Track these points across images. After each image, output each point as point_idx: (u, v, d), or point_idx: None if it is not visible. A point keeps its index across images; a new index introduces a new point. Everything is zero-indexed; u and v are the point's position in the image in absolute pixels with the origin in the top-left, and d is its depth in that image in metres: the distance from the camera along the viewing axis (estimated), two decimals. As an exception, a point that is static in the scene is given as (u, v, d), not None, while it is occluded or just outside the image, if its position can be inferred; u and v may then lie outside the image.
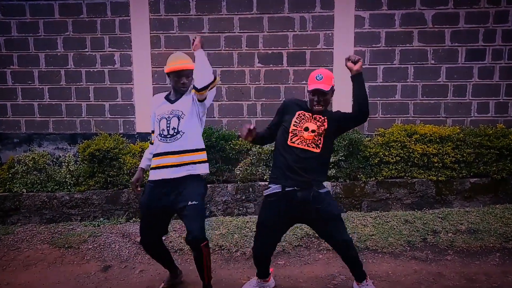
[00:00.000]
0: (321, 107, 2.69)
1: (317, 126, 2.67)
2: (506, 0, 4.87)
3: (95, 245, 3.64)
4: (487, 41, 4.94)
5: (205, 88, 2.64)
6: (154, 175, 2.73)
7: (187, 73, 2.77)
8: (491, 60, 4.97)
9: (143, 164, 2.94)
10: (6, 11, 5.18)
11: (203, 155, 2.80)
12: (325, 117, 2.70)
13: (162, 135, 2.73)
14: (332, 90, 2.73)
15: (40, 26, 5.20)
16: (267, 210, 2.72)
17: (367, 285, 2.76)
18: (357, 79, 2.66)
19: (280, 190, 2.65)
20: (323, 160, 2.70)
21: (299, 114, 2.73)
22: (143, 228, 2.80)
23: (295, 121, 2.71)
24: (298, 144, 2.65)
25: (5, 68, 5.28)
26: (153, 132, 2.89)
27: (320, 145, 2.64)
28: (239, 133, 2.72)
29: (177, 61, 2.78)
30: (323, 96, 2.67)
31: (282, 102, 2.98)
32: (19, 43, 5.23)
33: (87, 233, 3.87)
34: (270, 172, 3.01)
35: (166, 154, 2.70)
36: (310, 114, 2.72)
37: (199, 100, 2.75)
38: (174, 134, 2.69)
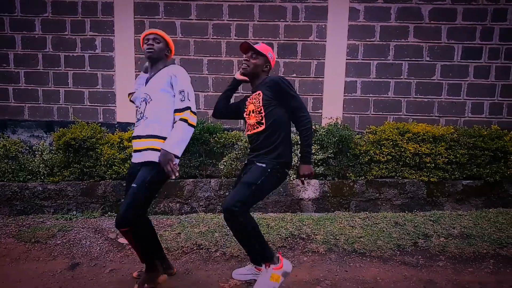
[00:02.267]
0: (245, 67, 2.69)
1: (254, 104, 2.63)
2: (505, -2, 4.72)
3: (64, 241, 3.38)
4: (484, 39, 4.79)
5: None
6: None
7: (153, 37, 2.68)
8: (488, 59, 4.82)
9: None
10: (-19, -12, 4.87)
11: (161, 144, 2.57)
12: (259, 91, 2.64)
13: (136, 118, 2.73)
14: (265, 60, 2.70)
15: (17, 6, 4.89)
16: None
17: (266, 271, 2.50)
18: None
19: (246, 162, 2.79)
20: (268, 133, 2.60)
21: (246, 102, 2.75)
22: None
23: (244, 109, 2.75)
24: (249, 131, 2.70)
25: (-22, 49, 4.97)
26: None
27: (263, 121, 2.60)
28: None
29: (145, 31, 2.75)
30: (251, 57, 2.67)
31: None
32: (-7, 23, 4.92)
33: (57, 227, 3.61)
34: None
35: (133, 138, 2.69)
36: (250, 96, 2.71)
37: None
38: (140, 118, 2.66)
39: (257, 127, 2.63)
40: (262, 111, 2.59)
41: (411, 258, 3.08)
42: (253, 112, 2.64)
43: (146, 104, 2.61)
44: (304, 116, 2.57)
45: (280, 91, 2.58)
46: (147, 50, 2.67)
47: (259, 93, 2.62)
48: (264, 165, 2.54)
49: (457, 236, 3.32)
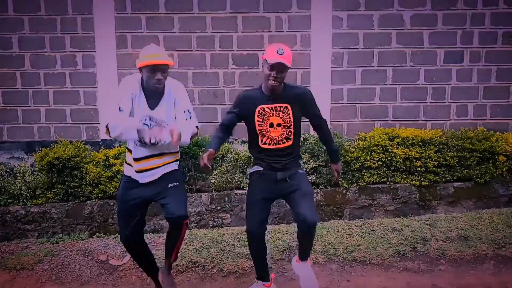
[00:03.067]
0: (277, 83, 2.53)
1: (282, 118, 2.58)
2: (482, 3, 4.83)
3: (52, 265, 3.22)
4: (464, 43, 4.87)
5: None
6: (135, 176, 2.63)
7: (163, 68, 2.51)
8: (469, 62, 4.90)
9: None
10: (-48, 6, 4.69)
11: (178, 155, 2.77)
12: (287, 105, 2.59)
13: (140, 143, 2.55)
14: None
15: (-8, 24, 4.74)
16: (254, 185, 2.76)
17: (306, 266, 2.67)
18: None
19: (262, 169, 2.70)
20: (296, 143, 2.74)
21: (259, 111, 2.61)
22: (122, 224, 2.69)
23: (258, 120, 2.62)
24: (269, 145, 2.63)
25: (-49, 69, 4.77)
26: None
27: (291, 136, 2.64)
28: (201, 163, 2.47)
29: (151, 54, 2.52)
30: (281, 73, 2.52)
31: (237, 96, 2.78)
32: (-33, 41, 4.74)
33: (43, 251, 3.44)
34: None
35: (147, 158, 2.60)
36: (270, 106, 2.59)
37: None
38: (156, 143, 2.53)
39: (284, 142, 2.62)
40: (292, 127, 2.60)
41: (412, 263, 3.05)
42: (278, 126, 2.59)
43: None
44: (325, 121, 2.76)
45: (310, 104, 2.66)
46: (156, 85, 2.51)
47: (287, 107, 2.58)
48: (304, 171, 2.79)
49: (455, 239, 3.32)
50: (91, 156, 4.26)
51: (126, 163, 2.71)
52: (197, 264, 3.17)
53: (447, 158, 4.28)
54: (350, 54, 4.88)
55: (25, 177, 4.26)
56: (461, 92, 4.92)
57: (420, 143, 4.31)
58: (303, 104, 2.62)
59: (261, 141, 2.64)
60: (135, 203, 2.63)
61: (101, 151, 4.37)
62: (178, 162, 2.75)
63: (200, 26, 4.79)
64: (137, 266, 3.01)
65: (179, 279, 3.01)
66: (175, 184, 2.59)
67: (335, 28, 4.84)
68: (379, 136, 4.37)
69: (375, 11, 4.83)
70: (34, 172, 4.36)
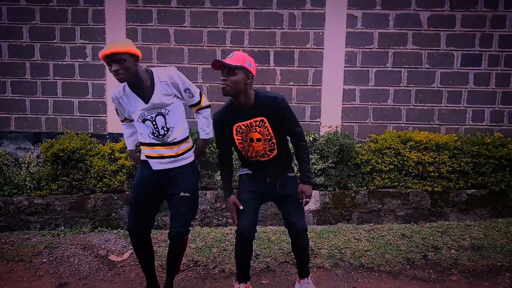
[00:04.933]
0: (224, 87, 2.31)
1: (260, 133, 2.46)
2: (503, 4, 4.66)
3: (51, 259, 3.15)
4: (483, 46, 4.70)
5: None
6: (149, 162, 2.60)
7: (117, 58, 2.28)
8: (487, 66, 4.73)
9: (130, 146, 2.86)
10: (-35, -5, 4.68)
11: (190, 142, 2.68)
12: (262, 118, 2.43)
13: (153, 136, 2.53)
14: (245, 72, 2.33)
15: (4, 13, 4.71)
16: (244, 185, 2.65)
17: (307, 283, 2.65)
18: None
19: (251, 172, 2.64)
20: (284, 150, 2.58)
21: (236, 129, 2.50)
22: (132, 212, 2.61)
23: (238, 139, 2.52)
24: (254, 157, 2.56)
25: (-38, 57, 4.75)
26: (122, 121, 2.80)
27: (275, 146, 2.51)
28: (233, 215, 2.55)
29: (105, 47, 2.37)
30: (228, 75, 2.30)
31: (214, 120, 2.63)
32: (-22, 30, 4.73)
33: (43, 244, 3.38)
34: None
35: (159, 145, 2.55)
36: (245, 123, 2.45)
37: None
38: (165, 132, 2.51)
39: (270, 154, 2.53)
40: (273, 138, 2.47)
41: (422, 272, 2.91)
42: (259, 140, 2.47)
43: (164, 117, 2.48)
44: (300, 131, 2.55)
45: (284, 114, 2.46)
46: (115, 77, 2.36)
47: (263, 120, 2.42)
48: (294, 173, 2.69)
49: (468, 248, 3.17)
50: (96, 149, 4.21)
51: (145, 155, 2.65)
52: (198, 263, 3.07)
53: (462, 164, 4.13)
54: (364, 54, 4.74)
55: (30, 168, 4.22)
56: (478, 96, 4.75)
57: (434, 148, 4.16)
58: (278, 114, 2.44)
59: (246, 155, 2.57)
60: (147, 194, 2.58)
61: (107, 145, 4.32)
62: (192, 151, 2.64)
63: (212, 21, 4.70)
64: (137, 263, 2.94)
65: (178, 278, 2.92)
66: (187, 195, 2.50)
67: (350, 27, 4.72)
68: (392, 139, 4.23)
69: (392, 10, 4.69)
70: (39, 163, 4.33)
